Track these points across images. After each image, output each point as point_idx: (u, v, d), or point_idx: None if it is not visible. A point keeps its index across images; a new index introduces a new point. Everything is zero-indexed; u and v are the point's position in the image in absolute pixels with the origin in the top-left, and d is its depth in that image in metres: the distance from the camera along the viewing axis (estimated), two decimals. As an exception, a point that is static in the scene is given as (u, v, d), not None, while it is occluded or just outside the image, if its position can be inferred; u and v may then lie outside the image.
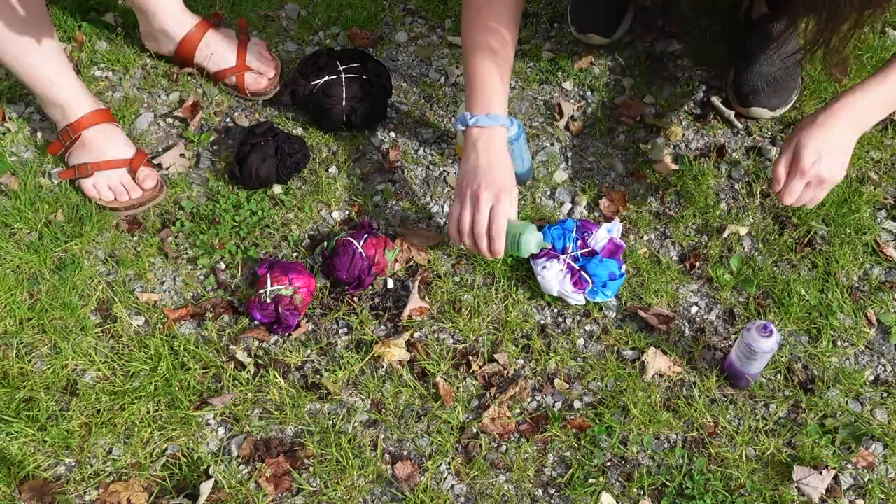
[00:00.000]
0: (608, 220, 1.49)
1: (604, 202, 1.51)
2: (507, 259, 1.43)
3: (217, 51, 1.62)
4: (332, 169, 1.56)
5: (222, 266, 1.47)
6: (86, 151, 1.50)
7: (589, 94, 1.65)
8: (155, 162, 1.57)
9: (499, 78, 1.28)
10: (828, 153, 1.23)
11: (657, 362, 1.34)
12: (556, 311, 1.41)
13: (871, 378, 1.34)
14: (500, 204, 1.26)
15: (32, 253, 1.46)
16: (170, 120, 1.64)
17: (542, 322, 1.40)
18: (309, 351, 1.38)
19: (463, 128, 1.31)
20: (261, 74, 1.63)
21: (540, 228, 1.40)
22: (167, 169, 1.57)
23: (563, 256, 1.38)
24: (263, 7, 1.78)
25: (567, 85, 1.67)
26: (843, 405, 1.31)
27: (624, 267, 1.41)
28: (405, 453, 1.29)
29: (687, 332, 1.38)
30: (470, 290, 1.42)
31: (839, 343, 1.37)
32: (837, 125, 1.23)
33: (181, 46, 1.62)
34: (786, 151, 1.26)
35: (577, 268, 1.37)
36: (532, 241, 1.31)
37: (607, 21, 1.66)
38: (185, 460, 1.28)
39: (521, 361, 1.36)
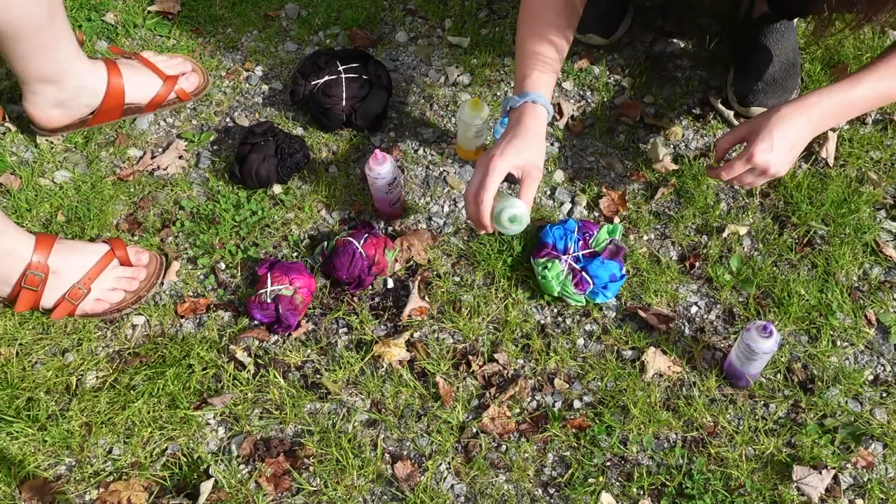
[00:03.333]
0: (608, 220, 1.49)
1: (604, 202, 1.51)
2: (497, 237, 1.43)
3: (139, 80, 1.52)
4: (332, 169, 1.57)
5: (222, 266, 1.47)
6: (62, 278, 1.34)
7: (589, 94, 1.66)
8: (154, 162, 1.57)
9: (551, 70, 1.29)
10: (780, 147, 1.23)
11: (657, 362, 1.34)
12: (555, 310, 1.41)
13: (871, 378, 1.34)
14: (490, 173, 1.21)
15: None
16: (169, 119, 1.64)
17: (542, 322, 1.40)
18: (309, 351, 1.38)
19: (507, 107, 1.29)
20: (186, 73, 1.60)
21: (541, 228, 1.40)
22: (166, 169, 1.57)
23: (565, 257, 1.38)
24: (263, 7, 1.79)
25: (567, 85, 1.67)
26: (843, 405, 1.31)
27: (624, 268, 1.41)
28: (405, 453, 1.29)
29: (687, 331, 1.38)
30: (470, 290, 1.42)
31: (839, 343, 1.37)
32: (798, 121, 1.22)
33: (108, 97, 1.47)
34: (739, 130, 1.28)
35: (579, 269, 1.38)
36: (505, 214, 1.23)
37: (607, 21, 1.67)
38: (186, 460, 1.28)
39: (520, 361, 1.36)
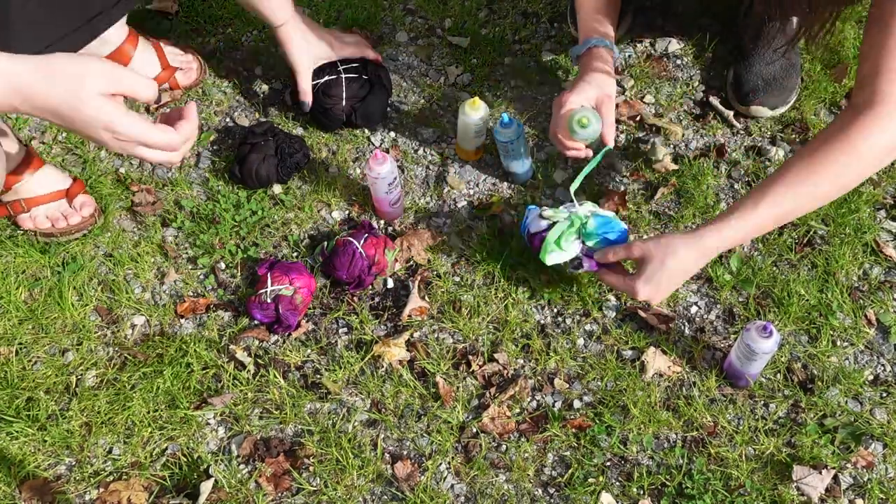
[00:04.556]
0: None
1: (604, 202, 1.51)
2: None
3: (145, 58, 1.59)
4: (332, 169, 1.57)
5: (222, 266, 1.47)
6: (19, 192, 1.45)
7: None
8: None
9: (605, 15, 1.41)
10: (662, 282, 1.21)
11: (657, 362, 1.34)
12: (555, 310, 1.41)
13: (871, 378, 1.34)
14: (565, 104, 1.31)
15: (40, 253, 1.46)
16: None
17: (542, 322, 1.40)
18: (309, 351, 1.38)
19: (582, 51, 1.39)
20: (187, 69, 1.65)
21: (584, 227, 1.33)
22: (167, 169, 1.57)
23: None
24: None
25: (567, 84, 1.67)
26: (843, 405, 1.31)
27: (623, 225, 1.35)
28: (405, 453, 1.29)
29: (687, 331, 1.38)
30: (470, 290, 1.42)
31: (839, 343, 1.37)
32: (688, 257, 1.20)
33: (116, 54, 1.53)
34: (633, 250, 1.23)
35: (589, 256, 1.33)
36: (575, 117, 1.29)
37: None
38: (186, 460, 1.28)
39: (520, 361, 1.36)
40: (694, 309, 1.41)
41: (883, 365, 1.35)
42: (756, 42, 1.57)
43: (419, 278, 1.43)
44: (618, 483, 1.26)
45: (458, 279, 1.44)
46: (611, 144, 1.35)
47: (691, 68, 1.68)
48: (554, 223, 1.32)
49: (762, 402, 1.32)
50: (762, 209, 1.16)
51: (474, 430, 1.30)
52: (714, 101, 1.62)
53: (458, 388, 1.34)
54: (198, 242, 1.48)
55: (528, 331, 1.39)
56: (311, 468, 1.27)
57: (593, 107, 1.33)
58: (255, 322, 1.39)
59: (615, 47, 1.39)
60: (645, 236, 1.48)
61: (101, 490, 1.26)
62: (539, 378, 1.34)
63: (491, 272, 1.44)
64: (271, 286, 1.36)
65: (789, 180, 1.16)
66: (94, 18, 1.35)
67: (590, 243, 1.31)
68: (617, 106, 1.63)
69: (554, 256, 1.30)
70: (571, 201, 1.36)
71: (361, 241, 1.40)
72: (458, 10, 1.77)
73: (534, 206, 1.41)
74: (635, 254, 1.23)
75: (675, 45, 1.70)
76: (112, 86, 0.85)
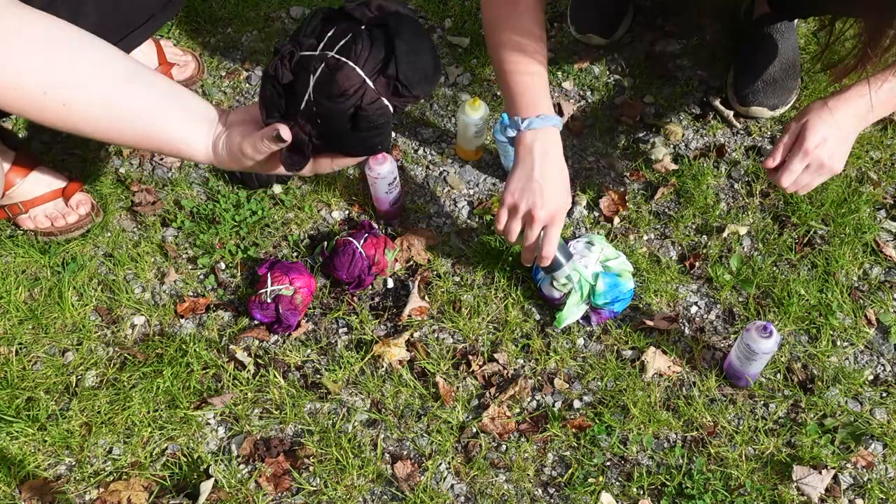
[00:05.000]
0: (608, 219, 1.49)
1: (604, 202, 1.51)
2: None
3: (144, 50, 1.61)
4: (332, 169, 1.57)
5: (222, 266, 1.47)
6: (14, 197, 1.45)
7: (589, 94, 1.66)
8: (155, 161, 1.58)
9: (541, 78, 1.22)
10: (833, 139, 1.19)
11: (657, 362, 1.34)
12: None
13: (871, 378, 1.34)
14: (553, 227, 1.23)
15: (39, 253, 1.46)
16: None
17: (542, 321, 1.40)
18: (309, 350, 1.38)
19: (512, 134, 1.23)
20: (184, 66, 1.66)
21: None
22: (168, 168, 1.57)
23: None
24: (263, 7, 1.79)
25: (567, 85, 1.67)
26: (843, 405, 1.31)
27: (631, 283, 1.39)
28: (405, 453, 1.29)
29: (686, 331, 1.38)
30: (470, 290, 1.42)
31: (839, 343, 1.37)
32: (847, 114, 1.19)
33: None
34: (789, 131, 1.22)
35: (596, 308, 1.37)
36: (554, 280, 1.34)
37: (607, 21, 1.67)
38: (185, 460, 1.28)
39: (520, 361, 1.36)
40: (694, 309, 1.41)
41: (883, 365, 1.35)
42: (757, 42, 1.57)
43: (419, 278, 1.43)
44: (618, 483, 1.26)
45: (458, 279, 1.44)
46: (543, 264, 1.28)
47: (691, 68, 1.68)
48: (566, 293, 1.35)
49: (762, 402, 1.32)
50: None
51: (474, 430, 1.30)
52: (714, 101, 1.62)
53: (458, 388, 1.34)
54: (198, 242, 1.48)
55: (528, 331, 1.39)
56: (311, 468, 1.27)
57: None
58: (255, 322, 1.39)
59: (560, 122, 1.23)
60: (645, 237, 1.48)
61: (101, 490, 1.26)
62: (539, 378, 1.34)
63: (491, 272, 1.44)
64: (271, 286, 1.36)
65: None
66: (131, 33, 1.33)
67: (599, 302, 1.34)
68: (617, 106, 1.63)
69: (568, 322, 1.37)
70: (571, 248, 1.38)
71: (361, 241, 1.40)
72: (458, 11, 1.77)
73: None
74: (796, 126, 1.21)
75: (675, 45, 1.70)
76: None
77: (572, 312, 1.36)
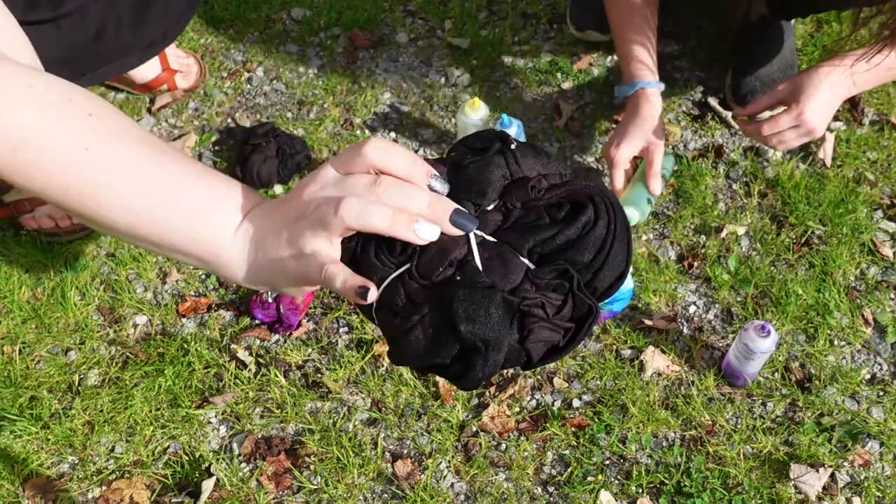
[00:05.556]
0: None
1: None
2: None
3: (142, 66, 1.58)
4: (333, 169, 1.57)
5: (224, 266, 1.47)
6: (22, 191, 1.45)
7: (589, 93, 1.66)
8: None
9: (646, 49, 1.37)
10: (825, 106, 1.22)
11: (655, 361, 1.35)
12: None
13: (868, 377, 1.35)
14: (615, 165, 1.30)
15: (42, 253, 1.47)
16: (171, 120, 1.65)
17: (542, 321, 1.40)
18: (310, 350, 1.38)
19: (630, 92, 1.36)
20: (187, 72, 1.66)
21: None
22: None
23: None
24: (264, 8, 1.79)
25: (566, 85, 1.68)
26: (840, 403, 1.31)
27: (631, 282, 1.40)
28: (405, 451, 1.30)
29: (685, 331, 1.39)
30: (470, 290, 1.43)
31: (836, 342, 1.38)
32: (837, 80, 1.21)
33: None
34: (779, 91, 1.25)
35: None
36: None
37: (606, 17, 1.67)
38: (187, 458, 1.29)
39: (520, 360, 1.37)
40: (692, 308, 1.42)
41: (880, 364, 1.36)
42: (755, 43, 1.58)
43: (419, 278, 1.44)
44: (617, 481, 1.26)
45: (458, 279, 1.44)
46: (656, 193, 1.35)
47: (689, 69, 1.69)
48: None
49: (760, 400, 1.32)
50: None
51: (474, 428, 1.30)
52: (712, 101, 1.63)
53: (458, 387, 1.34)
54: (199, 242, 1.49)
55: (527, 330, 1.39)
56: (311, 467, 1.28)
57: (640, 154, 1.33)
58: (257, 321, 1.40)
59: (663, 85, 1.37)
60: (644, 237, 1.49)
61: (104, 488, 1.26)
62: (538, 377, 1.35)
63: (491, 272, 1.44)
64: (272, 286, 1.37)
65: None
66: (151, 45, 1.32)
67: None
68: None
69: None
70: None
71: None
72: (458, 12, 1.78)
73: None
74: (782, 91, 1.25)
75: (673, 46, 1.71)
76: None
77: None
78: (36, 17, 1.02)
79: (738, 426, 1.30)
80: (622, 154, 1.28)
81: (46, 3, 1.04)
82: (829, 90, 1.21)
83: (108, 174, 0.56)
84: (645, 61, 1.34)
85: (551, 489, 1.26)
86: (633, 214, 1.40)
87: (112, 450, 1.30)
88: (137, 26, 1.21)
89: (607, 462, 1.28)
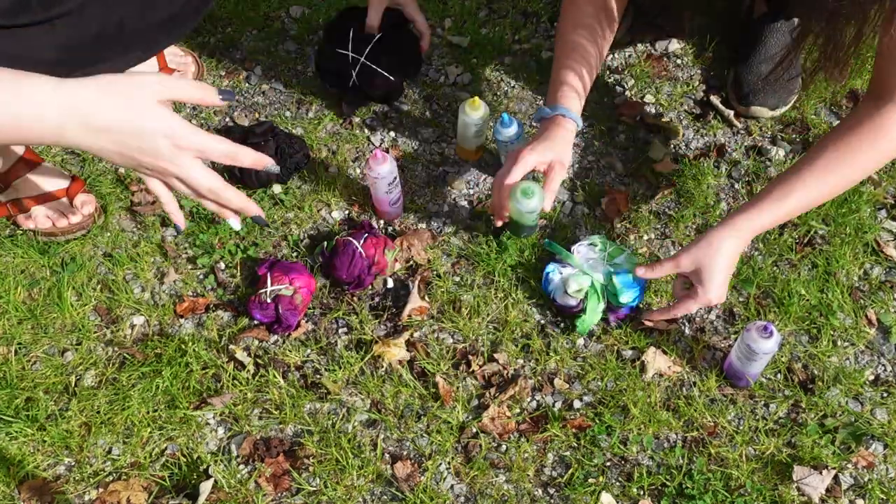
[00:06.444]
0: (608, 220, 1.49)
1: (604, 202, 1.51)
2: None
3: (140, 65, 1.59)
4: (332, 169, 1.56)
5: (222, 266, 1.47)
6: (19, 191, 1.46)
7: (588, 94, 1.65)
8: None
9: (578, 79, 1.33)
10: (724, 281, 1.22)
11: (657, 362, 1.34)
12: (555, 310, 1.40)
13: (871, 378, 1.34)
14: (518, 163, 1.27)
15: (39, 253, 1.46)
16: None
17: (542, 322, 1.39)
18: (309, 351, 1.38)
19: (549, 115, 1.33)
20: (184, 70, 1.65)
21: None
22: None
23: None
24: (263, 7, 1.78)
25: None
26: (843, 405, 1.30)
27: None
28: (405, 453, 1.29)
29: (687, 331, 1.38)
30: (470, 290, 1.42)
31: (839, 343, 1.37)
32: (731, 248, 1.21)
33: None
34: (684, 261, 1.24)
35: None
36: (519, 188, 1.30)
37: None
38: (185, 460, 1.28)
39: (520, 361, 1.36)
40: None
41: (883, 365, 1.35)
42: (757, 42, 1.57)
43: (419, 278, 1.43)
44: (618, 483, 1.26)
45: (458, 279, 1.44)
46: (547, 210, 1.31)
47: (691, 68, 1.68)
48: (582, 298, 1.35)
49: (762, 402, 1.31)
50: (793, 197, 1.19)
51: (474, 430, 1.30)
52: (714, 100, 1.62)
53: (458, 388, 1.33)
54: (197, 242, 1.48)
55: (528, 331, 1.38)
56: (310, 468, 1.27)
57: (544, 170, 1.30)
58: (255, 322, 1.39)
59: (580, 121, 1.33)
60: (645, 237, 1.48)
61: (101, 490, 1.26)
62: (539, 378, 1.34)
63: (491, 272, 1.44)
64: (271, 286, 1.36)
65: (819, 168, 1.18)
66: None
67: (622, 301, 1.34)
68: (616, 106, 1.63)
69: (591, 327, 1.37)
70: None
71: (361, 241, 1.40)
72: (458, 10, 1.77)
73: (551, 265, 1.40)
74: (684, 266, 1.24)
75: (675, 45, 1.70)
76: (168, 92, 0.84)
77: (594, 316, 1.35)
78: (24, 20, 1.01)
79: (741, 427, 1.29)
80: (531, 157, 1.27)
81: (38, 5, 1.03)
82: (727, 260, 1.21)
83: None
84: (572, 94, 1.32)
85: (552, 491, 1.25)
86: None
87: (109, 451, 1.29)
88: (140, 25, 1.20)
89: (608, 464, 1.27)
